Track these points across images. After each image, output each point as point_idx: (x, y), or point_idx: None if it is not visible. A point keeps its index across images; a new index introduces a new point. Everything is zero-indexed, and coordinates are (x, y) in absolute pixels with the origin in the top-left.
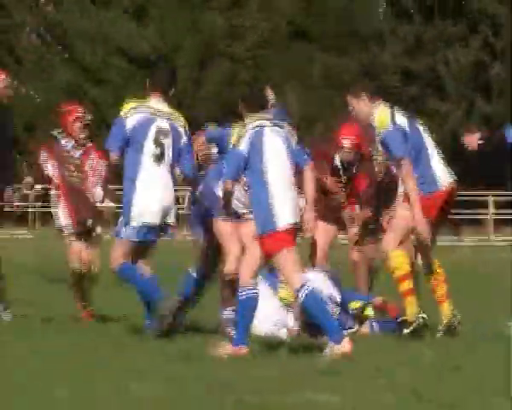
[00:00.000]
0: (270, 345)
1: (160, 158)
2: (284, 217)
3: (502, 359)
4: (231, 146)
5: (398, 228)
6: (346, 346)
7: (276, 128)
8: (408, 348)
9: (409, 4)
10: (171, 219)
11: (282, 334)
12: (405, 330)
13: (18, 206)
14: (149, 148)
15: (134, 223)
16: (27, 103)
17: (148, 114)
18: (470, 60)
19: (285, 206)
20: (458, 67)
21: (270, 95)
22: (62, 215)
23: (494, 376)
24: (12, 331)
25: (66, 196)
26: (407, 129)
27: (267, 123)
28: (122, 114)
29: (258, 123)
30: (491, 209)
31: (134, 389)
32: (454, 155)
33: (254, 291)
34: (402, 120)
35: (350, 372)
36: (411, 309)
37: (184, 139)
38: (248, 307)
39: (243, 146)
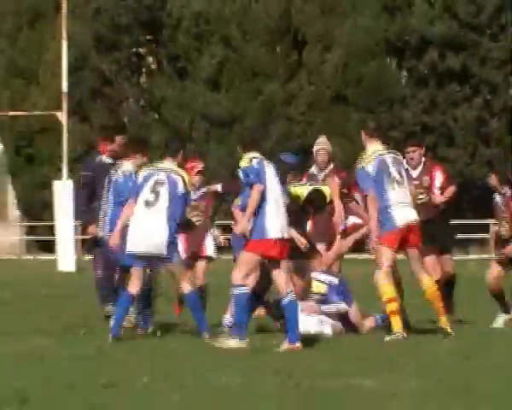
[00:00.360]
0: (316, 338)
1: (152, 204)
2: (275, 230)
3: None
4: (242, 167)
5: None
6: (237, 344)
7: (268, 161)
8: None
9: (424, 73)
10: (156, 252)
11: (327, 330)
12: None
13: None
14: (145, 195)
15: (126, 251)
16: None
17: (151, 171)
18: (474, 116)
19: (277, 221)
20: (464, 122)
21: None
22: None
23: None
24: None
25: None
26: (373, 176)
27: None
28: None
29: (258, 155)
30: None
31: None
32: (460, 189)
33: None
34: (372, 168)
35: (379, 361)
36: (396, 324)
37: (180, 189)
38: (293, 310)
39: (256, 165)
